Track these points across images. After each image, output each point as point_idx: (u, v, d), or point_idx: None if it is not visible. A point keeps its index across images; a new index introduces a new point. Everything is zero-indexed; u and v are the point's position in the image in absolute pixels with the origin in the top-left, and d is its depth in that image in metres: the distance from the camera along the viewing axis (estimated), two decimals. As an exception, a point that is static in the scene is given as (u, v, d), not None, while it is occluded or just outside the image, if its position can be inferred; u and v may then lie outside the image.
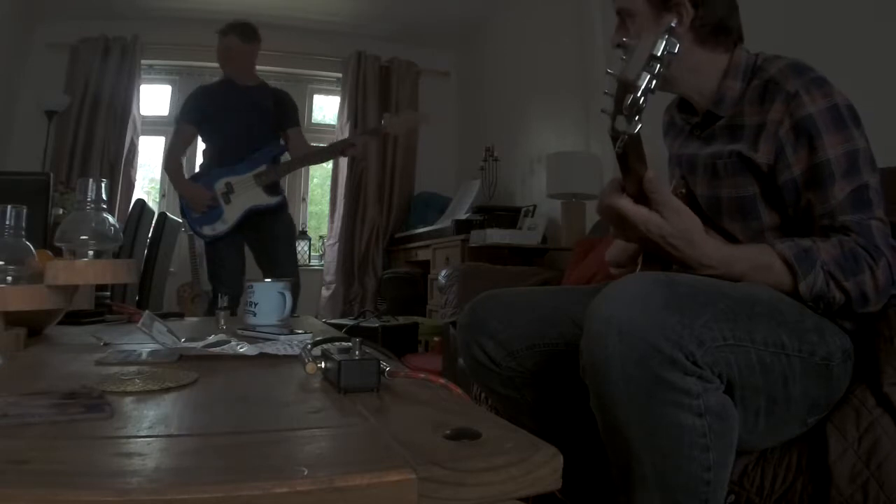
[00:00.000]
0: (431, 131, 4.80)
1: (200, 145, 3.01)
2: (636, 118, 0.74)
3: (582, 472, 0.92)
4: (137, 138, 4.33)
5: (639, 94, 0.73)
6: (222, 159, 2.77)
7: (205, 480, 0.40)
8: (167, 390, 0.66)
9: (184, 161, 2.90)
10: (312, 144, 3.00)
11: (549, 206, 3.30)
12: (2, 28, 3.76)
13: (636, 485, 0.79)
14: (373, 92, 4.66)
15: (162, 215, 3.24)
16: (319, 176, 5.06)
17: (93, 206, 1.04)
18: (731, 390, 0.79)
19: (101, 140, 4.12)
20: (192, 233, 3.22)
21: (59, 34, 4.13)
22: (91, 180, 1.05)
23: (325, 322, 2.09)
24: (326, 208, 4.84)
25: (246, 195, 2.73)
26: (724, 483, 0.80)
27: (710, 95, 1.03)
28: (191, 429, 0.52)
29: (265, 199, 2.73)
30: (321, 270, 4.67)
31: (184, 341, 0.97)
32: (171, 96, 4.59)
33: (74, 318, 1.29)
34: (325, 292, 4.58)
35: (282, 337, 1.05)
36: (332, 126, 4.81)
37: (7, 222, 1.01)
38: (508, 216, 3.53)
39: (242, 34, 2.76)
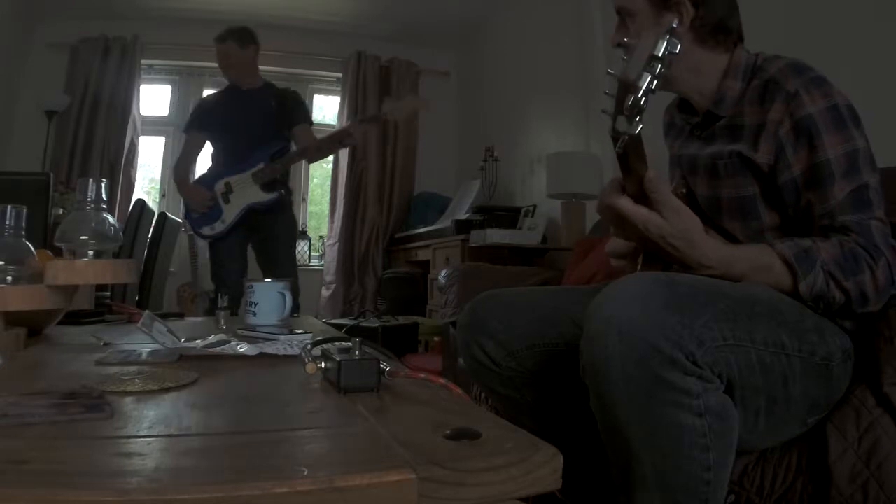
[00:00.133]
0: (431, 131, 4.81)
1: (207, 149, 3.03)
2: (637, 118, 0.74)
3: (582, 472, 0.92)
4: (137, 138, 4.33)
5: (640, 95, 0.73)
6: (225, 162, 2.80)
7: (205, 480, 0.40)
8: (167, 390, 0.66)
9: (195, 169, 2.93)
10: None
11: (549, 206, 3.30)
12: (2, 28, 3.76)
13: (636, 485, 0.79)
14: (373, 92, 4.66)
15: (162, 215, 3.24)
16: (319, 176, 5.06)
17: (93, 206, 1.04)
18: (731, 390, 0.79)
19: (101, 140, 4.12)
20: (192, 233, 3.25)
21: (59, 34, 4.14)
22: (91, 180, 1.05)
23: (325, 322, 2.09)
24: (326, 208, 4.84)
25: (244, 194, 2.74)
26: (724, 483, 0.80)
27: (710, 95, 1.03)
28: (191, 429, 0.52)
29: (262, 197, 2.73)
30: (321, 270, 4.67)
31: (184, 341, 0.97)
32: (171, 96, 4.60)
33: (74, 318, 1.29)
34: (325, 292, 4.58)
35: (282, 337, 1.05)
36: (333, 126, 4.79)
37: (7, 222, 1.01)
38: (508, 216, 3.53)
39: (240, 40, 2.77)
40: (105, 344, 1.02)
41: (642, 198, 0.84)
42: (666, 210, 0.84)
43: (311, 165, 4.57)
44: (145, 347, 0.94)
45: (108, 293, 2.37)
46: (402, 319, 3.19)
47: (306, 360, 0.74)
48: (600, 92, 0.78)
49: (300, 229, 4.52)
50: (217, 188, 2.76)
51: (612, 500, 0.84)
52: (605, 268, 1.82)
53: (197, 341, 0.97)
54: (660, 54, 0.73)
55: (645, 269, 0.92)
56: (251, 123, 2.76)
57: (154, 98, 4.55)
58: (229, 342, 0.96)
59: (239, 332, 1.13)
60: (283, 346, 0.97)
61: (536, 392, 1.08)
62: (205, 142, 2.91)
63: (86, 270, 1.02)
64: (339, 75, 4.76)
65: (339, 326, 2.55)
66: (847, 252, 0.87)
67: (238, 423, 0.58)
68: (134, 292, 2.97)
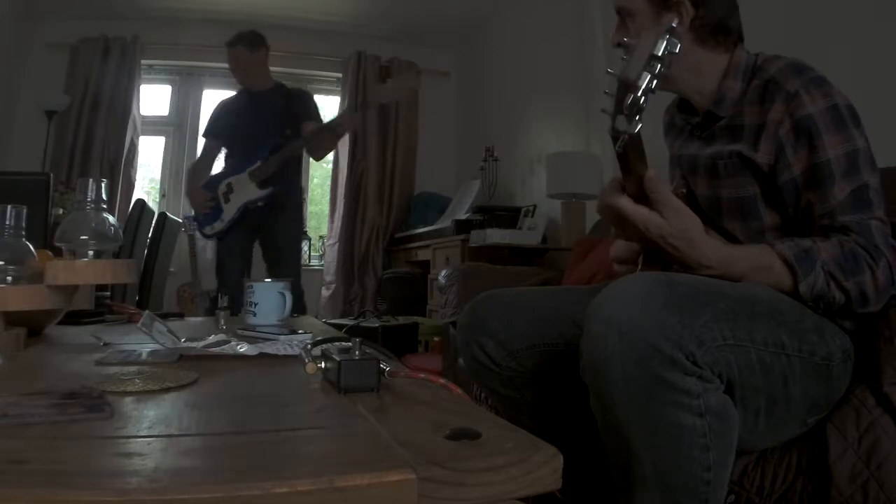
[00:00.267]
0: (431, 131, 4.81)
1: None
2: (637, 118, 0.74)
3: (582, 472, 0.92)
4: (137, 138, 4.32)
5: (639, 94, 0.73)
6: (232, 163, 2.87)
7: (205, 480, 0.40)
8: (167, 390, 0.66)
9: (208, 174, 2.97)
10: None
11: (549, 206, 3.30)
12: (2, 28, 3.76)
13: (636, 485, 0.79)
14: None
15: (162, 215, 3.24)
16: (319, 176, 5.06)
17: (93, 206, 1.04)
18: (731, 390, 0.79)
19: (101, 140, 4.12)
20: (192, 233, 3.30)
21: (59, 34, 4.13)
22: (91, 180, 1.05)
23: (325, 322, 2.09)
24: (326, 208, 4.84)
25: (242, 192, 2.79)
26: (724, 483, 0.79)
27: (710, 95, 1.03)
28: (191, 429, 0.52)
29: (257, 194, 2.77)
30: (321, 270, 4.67)
31: (184, 341, 0.97)
32: (171, 96, 4.60)
33: (74, 318, 1.29)
34: (325, 292, 4.58)
35: (282, 337, 1.05)
36: (332, 126, 4.80)
37: (7, 222, 1.01)
38: (508, 216, 3.53)
39: (250, 43, 2.82)
40: (105, 344, 1.02)
41: (642, 198, 0.84)
42: (666, 210, 0.84)
43: (312, 165, 4.57)
44: (145, 347, 0.94)
45: (108, 293, 2.38)
46: (402, 319, 3.19)
47: (306, 360, 0.74)
48: (600, 92, 0.78)
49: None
50: (220, 189, 2.82)
51: (612, 500, 0.84)
52: (605, 268, 1.82)
53: (197, 341, 0.97)
54: (659, 54, 0.73)
55: (645, 269, 0.92)
56: (258, 124, 2.80)
57: (154, 98, 4.55)
58: (229, 342, 0.96)
59: (239, 332, 1.13)
60: (283, 346, 0.97)
61: (536, 392, 1.08)
62: (220, 147, 2.98)
63: (86, 270, 1.02)
64: (339, 75, 4.76)
65: (339, 326, 2.55)
66: (847, 252, 0.87)
67: (238, 423, 0.58)
68: (134, 292, 2.97)
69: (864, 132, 0.92)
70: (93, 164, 4.08)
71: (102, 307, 1.50)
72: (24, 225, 1.03)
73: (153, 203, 4.27)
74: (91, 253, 1.03)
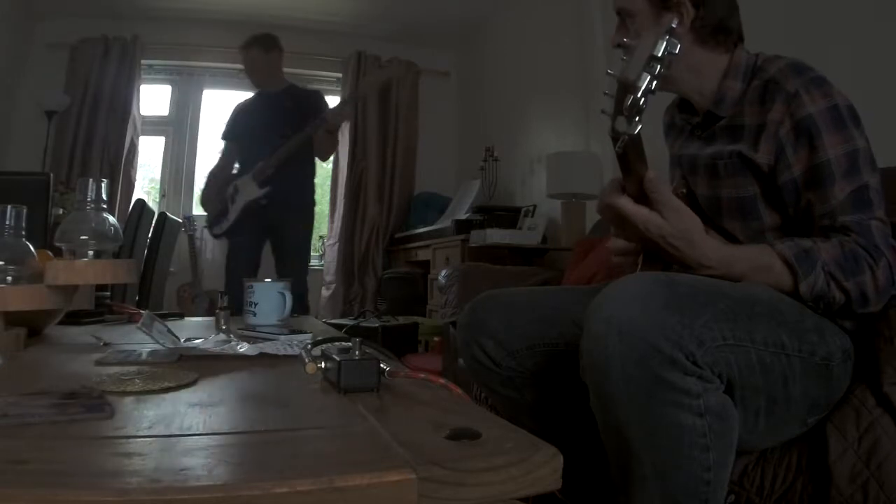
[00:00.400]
0: (431, 131, 4.81)
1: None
2: (636, 119, 0.74)
3: (582, 472, 0.92)
4: (137, 138, 4.32)
5: (639, 95, 0.73)
6: (243, 164, 2.93)
7: (205, 480, 0.39)
8: (167, 390, 0.66)
9: (223, 176, 3.01)
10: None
11: (549, 206, 3.30)
12: (2, 28, 3.76)
13: (636, 485, 0.79)
14: (373, 92, 4.65)
15: (162, 215, 3.24)
16: (319, 176, 5.01)
17: (93, 206, 1.04)
18: (731, 390, 0.79)
19: (101, 140, 4.12)
20: (192, 233, 3.32)
21: (59, 34, 4.13)
22: (91, 180, 1.06)
23: (325, 322, 2.09)
24: (326, 208, 4.83)
25: (245, 192, 2.84)
26: (724, 483, 0.80)
27: (710, 96, 1.03)
28: (191, 429, 0.52)
29: (257, 192, 2.82)
30: (321, 270, 4.66)
31: (184, 341, 0.97)
32: (171, 96, 4.59)
33: (74, 318, 1.29)
34: (325, 292, 4.58)
35: (282, 337, 1.05)
36: (332, 126, 4.80)
37: (7, 222, 1.01)
38: (508, 216, 3.53)
39: (264, 45, 2.89)
40: (105, 344, 1.02)
41: (642, 198, 0.84)
42: (666, 210, 0.84)
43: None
44: (145, 347, 0.94)
45: (108, 293, 2.37)
46: (402, 319, 3.19)
47: (306, 360, 0.74)
48: (600, 92, 0.78)
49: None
50: (229, 191, 2.89)
51: (612, 500, 0.84)
52: (605, 268, 1.82)
53: (197, 341, 0.97)
54: (659, 54, 0.73)
55: (645, 269, 0.92)
56: (268, 125, 2.84)
57: (154, 98, 4.55)
58: (229, 342, 0.96)
59: (239, 332, 1.13)
60: (283, 346, 0.97)
61: (536, 392, 1.08)
62: (236, 149, 3.03)
63: (86, 270, 1.02)
64: (339, 75, 4.75)
65: (339, 326, 2.55)
66: (847, 252, 0.87)
67: (238, 423, 0.58)
68: (134, 292, 2.97)
69: (864, 132, 0.92)
70: (93, 164, 4.07)
71: (102, 307, 1.49)
72: (24, 225, 1.03)
73: (153, 203, 4.27)
74: (91, 253, 1.03)
